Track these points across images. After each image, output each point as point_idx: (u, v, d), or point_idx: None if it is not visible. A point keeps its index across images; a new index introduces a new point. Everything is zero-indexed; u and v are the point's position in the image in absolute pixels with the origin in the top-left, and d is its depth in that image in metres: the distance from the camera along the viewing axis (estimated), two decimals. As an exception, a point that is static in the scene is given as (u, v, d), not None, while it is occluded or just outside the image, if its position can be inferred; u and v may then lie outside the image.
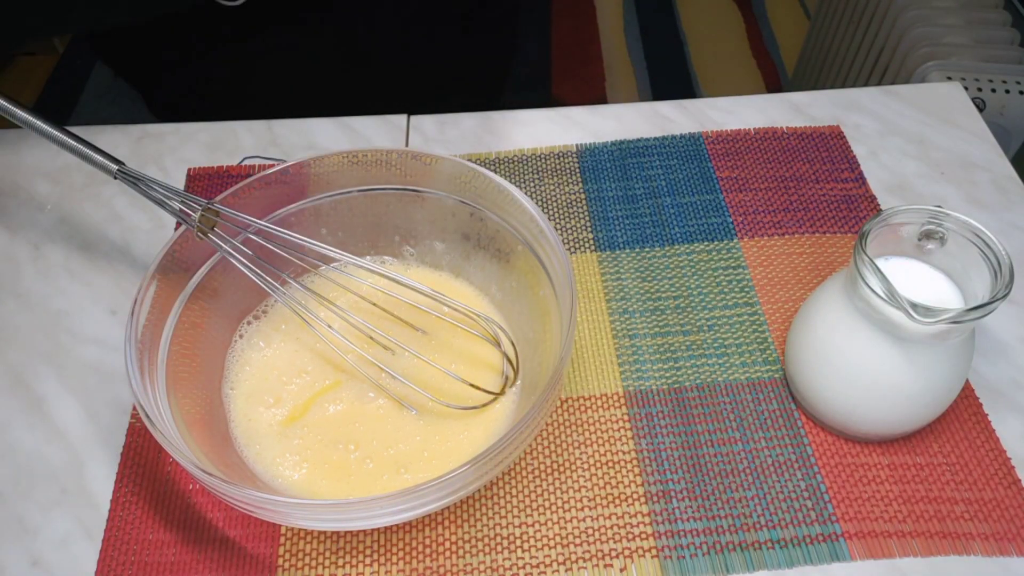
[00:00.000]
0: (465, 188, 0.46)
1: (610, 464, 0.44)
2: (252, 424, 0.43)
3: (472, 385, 0.42)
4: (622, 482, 0.43)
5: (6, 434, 0.45)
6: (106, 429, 0.45)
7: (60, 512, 0.42)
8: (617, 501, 0.43)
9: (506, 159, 0.58)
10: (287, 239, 0.42)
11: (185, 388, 0.41)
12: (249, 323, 0.47)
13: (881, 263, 0.41)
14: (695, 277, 0.52)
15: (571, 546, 0.41)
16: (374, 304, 0.47)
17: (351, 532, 0.42)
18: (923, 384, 0.40)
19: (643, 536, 0.41)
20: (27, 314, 0.50)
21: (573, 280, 0.40)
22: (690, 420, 0.46)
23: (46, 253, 0.53)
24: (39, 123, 0.42)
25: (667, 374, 0.47)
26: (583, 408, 0.46)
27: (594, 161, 0.58)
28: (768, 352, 0.48)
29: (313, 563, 0.41)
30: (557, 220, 0.55)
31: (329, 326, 0.44)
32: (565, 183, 0.57)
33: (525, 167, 0.58)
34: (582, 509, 0.42)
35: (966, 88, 0.72)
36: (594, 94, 1.80)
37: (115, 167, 0.42)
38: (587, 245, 0.54)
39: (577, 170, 0.58)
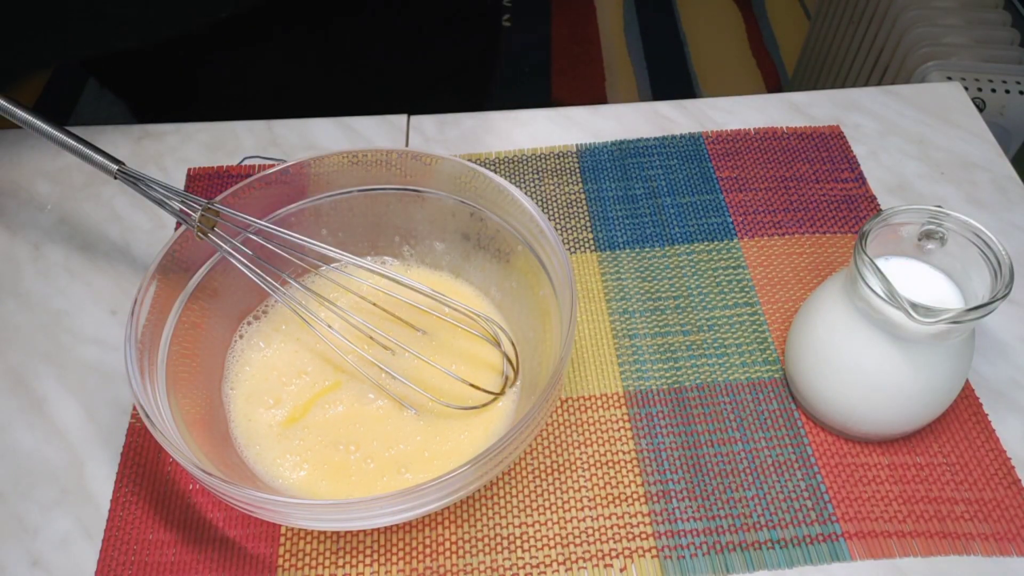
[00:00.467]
0: (465, 188, 0.46)
1: (610, 464, 0.44)
2: (252, 424, 0.43)
3: (472, 385, 0.42)
4: (622, 482, 0.43)
5: (6, 434, 0.45)
6: (106, 429, 0.45)
7: (60, 512, 0.42)
8: (617, 501, 0.43)
9: (506, 159, 0.58)
10: (287, 239, 0.42)
11: (185, 388, 0.41)
12: (249, 323, 0.47)
13: (881, 263, 0.41)
14: (695, 277, 0.52)
15: (571, 546, 0.41)
16: (374, 304, 0.47)
17: (351, 532, 0.42)
18: (923, 384, 0.40)
19: (643, 536, 0.41)
20: (27, 314, 0.50)
21: (573, 280, 0.40)
22: (690, 420, 0.46)
23: (46, 253, 0.53)
24: (39, 123, 0.42)
25: (667, 374, 0.47)
26: (583, 408, 0.46)
27: (594, 161, 0.58)
28: (768, 352, 0.48)
29: (313, 563, 0.41)
30: (557, 220, 0.55)
31: (329, 326, 0.44)
32: (565, 183, 0.57)
33: (525, 167, 0.58)
34: (582, 509, 0.42)
35: (966, 88, 0.72)
36: (594, 94, 1.81)
37: (115, 167, 0.42)
38: (587, 245, 0.54)
39: (577, 170, 0.58)
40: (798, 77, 1.63)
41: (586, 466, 0.44)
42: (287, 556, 0.41)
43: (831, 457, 0.44)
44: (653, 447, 0.44)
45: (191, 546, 0.41)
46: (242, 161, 0.58)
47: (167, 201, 0.41)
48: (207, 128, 0.60)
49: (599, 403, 0.46)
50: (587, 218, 0.55)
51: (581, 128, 0.61)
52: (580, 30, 1.96)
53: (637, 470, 0.44)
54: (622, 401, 0.46)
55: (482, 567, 0.41)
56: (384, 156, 0.46)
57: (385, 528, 0.42)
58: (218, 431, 0.42)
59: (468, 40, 0.75)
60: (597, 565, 0.41)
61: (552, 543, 0.41)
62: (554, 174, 0.58)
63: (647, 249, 0.53)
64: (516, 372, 0.44)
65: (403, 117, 0.61)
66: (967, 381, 0.47)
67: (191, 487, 0.43)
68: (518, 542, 0.41)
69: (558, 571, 0.41)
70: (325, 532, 0.42)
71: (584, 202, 0.56)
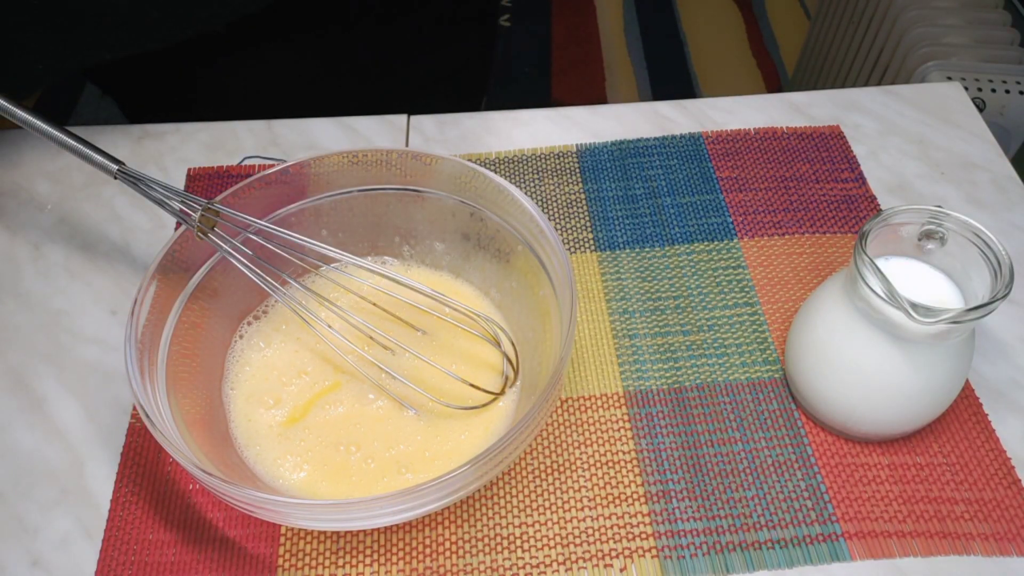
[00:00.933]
0: (465, 188, 0.46)
1: (610, 464, 0.44)
2: (252, 425, 0.43)
3: (472, 385, 0.42)
4: (622, 482, 0.43)
5: (6, 434, 0.45)
6: (106, 429, 0.45)
7: (60, 512, 0.42)
8: (617, 501, 0.43)
9: (506, 159, 0.58)
10: (287, 239, 0.42)
11: (185, 388, 0.41)
12: (249, 323, 0.47)
13: (881, 263, 0.41)
14: (695, 277, 0.52)
15: (571, 546, 0.41)
16: (374, 304, 0.47)
17: (351, 532, 0.42)
18: (923, 384, 0.40)
19: (643, 536, 0.41)
20: (27, 314, 0.50)
21: (573, 280, 0.40)
22: (690, 420, 0.46)
23: (46, 253, 0.53)
24: (39, 123, 0.42)
25: (667, 374, 0.47)
26: (583, 408, 0.46)
27: (594, 161, 0.58)
28: (768, 352, 0.48)
29: (313, 563, 0.41)
30: (557, 220, 0.55)
31: (329, 326, 0.44)
32: (565, 183, 0.57)
33: (525, 167, 0.58)
34: (582, 509, 0.42)
35: (966, 88, 0.72)
36: (594, 94, 1.81)
37: (115, 167, 0.42)
38: (587, 245, 0.54)
39: (577, 170, 0.58)
40: (798, 77, 1.63)
41: (586, 466, 0.44)
42: (287, 556, 0.41)
43: (831, 457, 0.44)
44: (653, 447, 0.44)
45: (191, 546, 0.41)
46: (242, 161, 0.58)
47: (167, 201, 0.41)
48: (207, 128, 0.61)
49: (599, 403, 0.46)
50: (587, 218, 0.55)
51: (581, 128, 0.61)
52: (580, 30, 1.96)
53: (637, 470, 0.44)
54: (622, 401, 0.46)
55: (482, 567, 0.41)
56: (384, 156, 0.46)
57: (385, 528, 0.42)
58: (218, 431, 0.42)
59: (465, 40, 0.75)
60: (597, 565, 0.41)
61: (552, 543, 0.41)
62: (554, 174, 0.58)
63: (647, 249, 0.53)
64: (516, 372, 0.44)
65: (403, 117, 0.61)
66: (967, 381, 0.47)
67: (191, 487, 0.43)
68: (518, 542, 0.41)
69: (558, 571, 0.41)
70: (325, 532, 0.42)
71: (584, 202, 0.56)
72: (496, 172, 0.57)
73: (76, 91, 1.74)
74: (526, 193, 0.56)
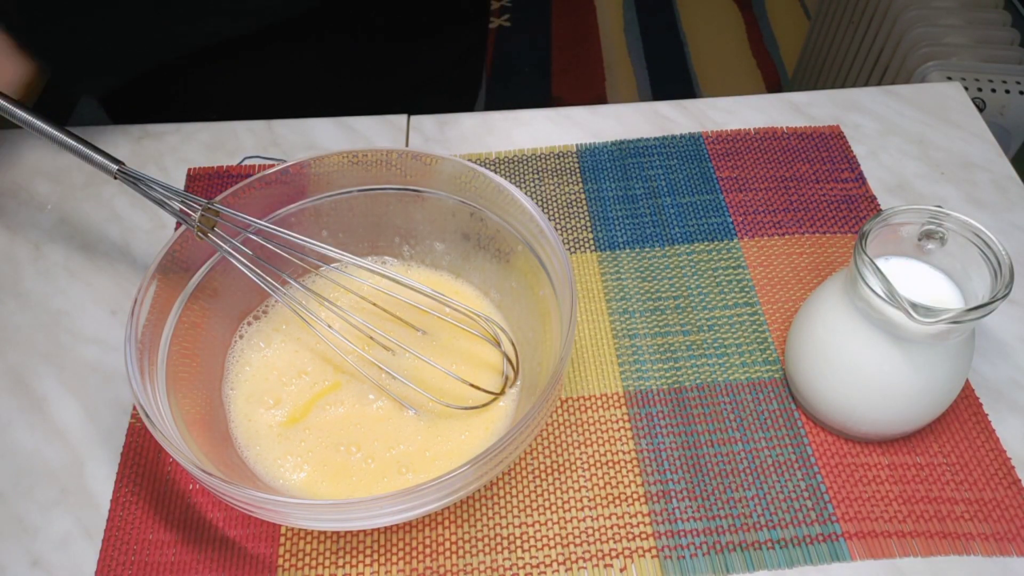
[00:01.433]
0: (465, 188, 0.46)
1: (610, 464, 0.44)
2: (252, 425, 0.43)
3: (472, 385, 0.42)
4: (622, 482, 0.43)
5: (6, 434, 0.45)
6: (106, 429, 0.45)
7: (60, 512, 0.42)
8: (617, 501, 0.43)
9: (506, 159, 0.58)
10: (287, 239, 0.42)
11: (185, 388, 0.41)
12: (249, 323, 0.47)
13: (881, 263, 0.41)
14: (695, 277, 0.52)
15: (571, 546, 0.41)
16: (374, 304, 0.47)
17: (351, 532, 0.42)
18: (923, 384, 0.40)
19: (643, 536, 0.41)
20: (27, 314, 0.50)
21: (573, 280, 0.40)
22: (690, 420, 0.46)
23: (46, 253, 0.53)
24: (39, 123, 0.42)
25: (667, 374, 0.47)
26: (583, 408, 0.46)
27: (594, 161, 0.58)
28: (768, 352, 0.48)
29: (313, 563, 0.41)
30: (557, 220, 0.55)
31: (329, 326, 0.44)
32: (565, 183, 0.57)
33: (525, 167, 0.58)
34: (582, 509, 0.42)
35: (966, 88, 0.72)
36: (594, 94, 1.81)
37: (115, 167, 0.42)
38: (587, 245, 0.54)
39: (577, 170, 0.58)
40: (798, 77, 1.63)
41: (586, 466, 0.44)
42: (287, 556, 0.41)
43: (831, 457, 0.44)
44: (653, 447, 0.44)
45: (191, 546, 0.41)
46: (242, 161, 0.58)
47: (167, 201, 0.41)
48: (207, 128, 0.61)
49: (599, 403, 0.46)
50: (587, 218, 0.55)
51: (581, 128, 0.61)
52: (580, 30, 1.96)
53: (637, 470, 0.44)
54: (622, 401, 0.46)
55: (482, 567, 0.41)
56: (384, 156, 0.46)
57: (385, 528, 0.42)
58: (218, 431, 0.42)
59: (459, 37, 0.75)
60: (597, 565, 0.41)
61: (552, 543, 0.41)
62: (554, 174, 0.58)
63: (647, 249, 0.53)
64: (516, 372, 0.44)
65: (403, 117, 0.61)
66: (967, 381, 0.47)
67: (191, 487, 0.43)
68: (518, 542, 0.41)
69: (558, 571, 0.41)
70: (325, 532, 0.42)
71: (584, 202, 0.56)
72: (496, 172, 0.57)
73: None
74: (526, 193, 0.56)
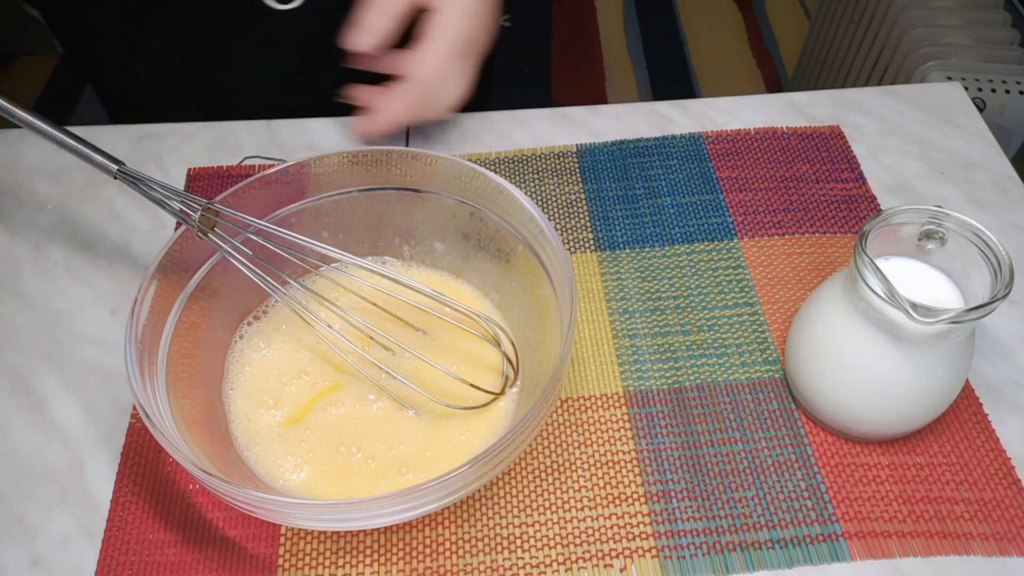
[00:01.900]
0: (465, 188, 0.46)
1: (610, 464, 0.44)
2: (252, 425, 0.43)
3: (472, 385, 0.42)
4: (622, 482, 0.43)
5: (6, 434, 0.45)
6: (106, 429, 0.45)
7: (60, 512, 0.42)
8: (617, 501, 0.43)
9: (506, 159, 0.58)
10: (287, 239, 0.42)
11: (185, 388, 0.41)
12: (249, 323, 0.47)
13: (881, 263, 0.41)
14: (695, 277, 0.52)
15: (571, 546, 0.41)
16: (374, 304, 0.47)
17: (351, 532, 0.42)
18: (923, 384, 0.40)
19: (643, 536, 0.41)
20: (27, 314, 0.50)
21: (573, 280, 0.40)
22: (690, 420, 0.46)
23: (46, 253, 0.53)
24: (39, 123, 0.42)
25: (667, 374, 0.47)
26: (583, 408, 0.46)
27: (594, 161, 0.58)
28: (768, 352, 0.48)
29: (313, 563, 0.41)
30: (557, 220, 0.55)
31: (329, 326, 0.44)
32: (565, 183, 0.57)
33: (525, 167, 0.58)
34: (582, 509, 0.42)
35: (966, 88, 0.72)
36: (594, 94, 1.81)
37: (115, 167, 0.42)
38: (587, 245, 0.54)
39: (577, 170, 0.58)
40: (798, 77, 1.64)
41: (586, 466, 0.44)
42: (287, 556, 0.41)
43: (831, 457, 0.44)
44: (653, 447, 0.44)
45: (191, 546, 0.41)
46: (242, 161, 0.58)
47: (167, 201, 0.41)
48: (207, 128, 0.60)
49: (599, 403, 0.46)
50: (587, 218, 0.55)
51: (581, 128, 0.61)
52: (580, 30, 1.96)
53: (637, 470, 0.44)
54: (622, 401, 0.46)
55: (482, 567, 0.41)
56: (384, 156, 0.46)
57: (385, 528, 0.42)
58: (218, 431, 0.42)
59: None
60: (597, 565, 0.41)
61: (552, 543, 0.41)
62: (554, 174, 0.58)
63: (647, 249, 0.53)
64: (516, 372, 0.44)
65: (403, 117, 0.61)
66: (967, 381, 0.47)
67: (191, 487, 0.43)
68: (518, 542, 0.41)
69: (558, 571, 0.41)
70: (325, 532, 0.42)
71: (584, 202, 0.56)
72: (496, 172, 0.57)
73: (76, 91, 1.74)
74: (526, 193, 0.56)
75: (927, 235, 0.40)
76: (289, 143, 0.60)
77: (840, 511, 0.42)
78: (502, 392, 0.43)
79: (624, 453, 0.44)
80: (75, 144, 0.42)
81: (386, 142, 0.60)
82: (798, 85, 1.63)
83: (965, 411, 0.46)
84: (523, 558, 0.41)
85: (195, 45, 0.63)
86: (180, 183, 0.57)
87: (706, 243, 0.53)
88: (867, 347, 0.40)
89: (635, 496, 0.43)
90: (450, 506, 0.42)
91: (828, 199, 0.56)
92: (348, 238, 0.49)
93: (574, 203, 0.56)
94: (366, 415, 0.43)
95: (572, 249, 0.53)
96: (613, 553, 0.41)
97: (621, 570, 0.41)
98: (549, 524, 0.42)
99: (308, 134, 0.60)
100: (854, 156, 0.58)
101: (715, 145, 0.59)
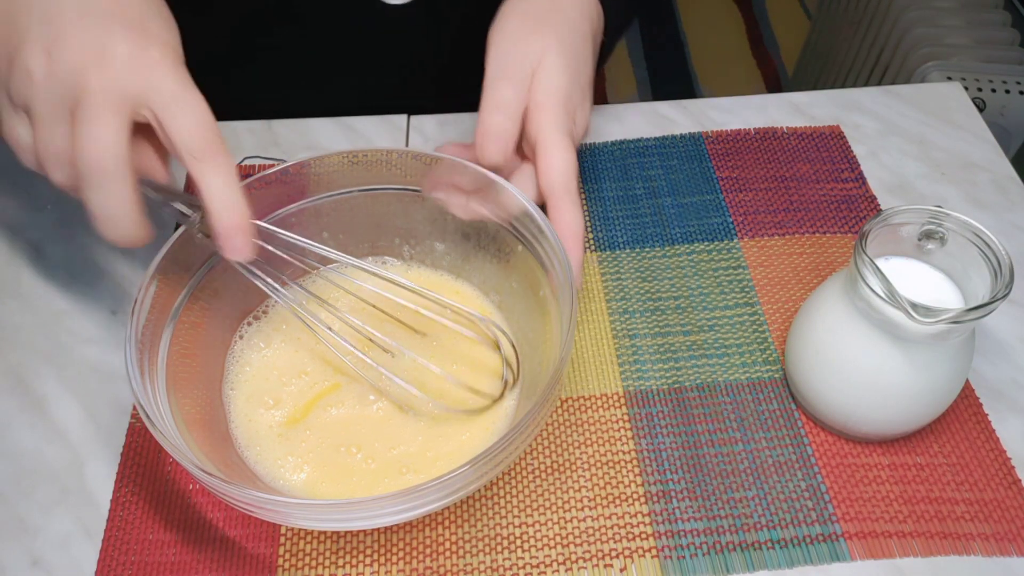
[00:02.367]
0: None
1: (610, 464, 0.44)
2: (252, 425, 0.43)
3: (472, 389, 0.42)
4: (622, 482, 0.43)
5: (6, 434, 0.45)
6: (106, 429, 0.45)
7: (60, 512, 0.42)
8: (617, 501, 0.43)
9: (506, 159, 0.58)
10: (286, 240, 0.42)
11: (185, 388, 0.41)
12: (249, 324, 0.47)
13: (881, 263, 0.41)
14: (695, 277, 0.52)
15: (571, 546, 0.41)
16: (374, 307, 0.47)
17: (351, 532, 0.42)
18: (923, 384, 0.40)
19: (643, 536, 0.41)
20: (27, 314, 0.50)
21: (573, 280, 0.40)
22: (690, 420, 0.46)
23: (46, 253, 0.53)
24: None
25: (667, 374, 0.47)
26: (583, 408, 0.46)
27: (594, 161, 0.58)
28: (768, 352, 0.48)
29: (313, 563, 0.41)
30: (557, 220, 0.55)
31: (329, 328, 0.44)
32: (565, 183, 0.57)
33: (525, 167, 0.58)
34: (582, 509, 0.42)
35: (966, 88, 0.72)
36: (594, 94, 1.80)
37: None
38: (587, 245, 0.53)
39: (577, 170, 0.58)
40: (798, 77, 1.64)
41: (586, 466, 0.44)
42: (287, 556, 0.41)
43: (831, 457, 0.44)
44: (653, 447, 0.44)
45: (191, 546, 0.41)
46: (242, 161, 0.58)
47: (168, 202, 0.41)
48: (207, 128, 0.60)
49: (599, 403, 0.46)
50: (587, 218, 0.55)
51: (581, 128, 0.61)
52: (580, 30, 1.96)
53: (637, 470, 0.44)
54: (622, 401, 0.46)
55: (482, 567, 0.41)
56: (384, 156, 0.46)
57: (385, 528, 0.42)
58: (218, 431, 0.42)
59: (467, 40, 0.75)
60: (597, 565, 0.41)
61: (552, 543, 0.41)
62: (554, 174, 0.58)
63: (647, 249, 0.53)
64: (516, 376, 0.44)
65: (403, 117, 0.61)
66: (967, 381, 0.47)
67: (191, 487, 0.43)
68: (518, 542, 0.41)
69: (558, 571, 0.41)
70: (325, 532, 0.42)
71: (584, 202, 0.56)
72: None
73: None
74: (526, 193, 0.56)
75: (927, 235, 0.40)
76: (289, 143, 0.60)
77: (840, 511, 0.42)
78: (502, 396, 0.43)
79: (624, 453, 0.44)
80: None
81: (386, 143, 0.60)
82: (798, 85, 1.63)
83: (965, 411, 0.45)
84: (523, 558, 0.41)
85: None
86: (180, 183, 0.57)
87: (706, 243, 0.53)
88: (867, 347, 0.40)
89: (635, 496, 0.43)
90: (450, 506, 0.42)
91: (828, 199, 0.56)
92: (348, 238, 0.49)
93: (574, 203, 0.56)
94: (366, 415, 0.43)
95: (572, 249, 0.53)
96: (613, 553, 0.41)
97: (621, 570, 0.41)
98: (549, 524, 0.42)
99: (308, 134, 0.60)
100: (854, 156, 0.58)
101: (715, 145, 0.59)
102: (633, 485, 0.43)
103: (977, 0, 1.22)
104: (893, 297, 0.37)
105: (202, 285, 0.43)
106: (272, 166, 0.45)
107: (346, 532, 0.42)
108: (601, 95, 1.80)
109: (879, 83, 1.25)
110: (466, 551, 0.41)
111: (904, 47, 1.17)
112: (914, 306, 0.36)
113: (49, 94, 0.36)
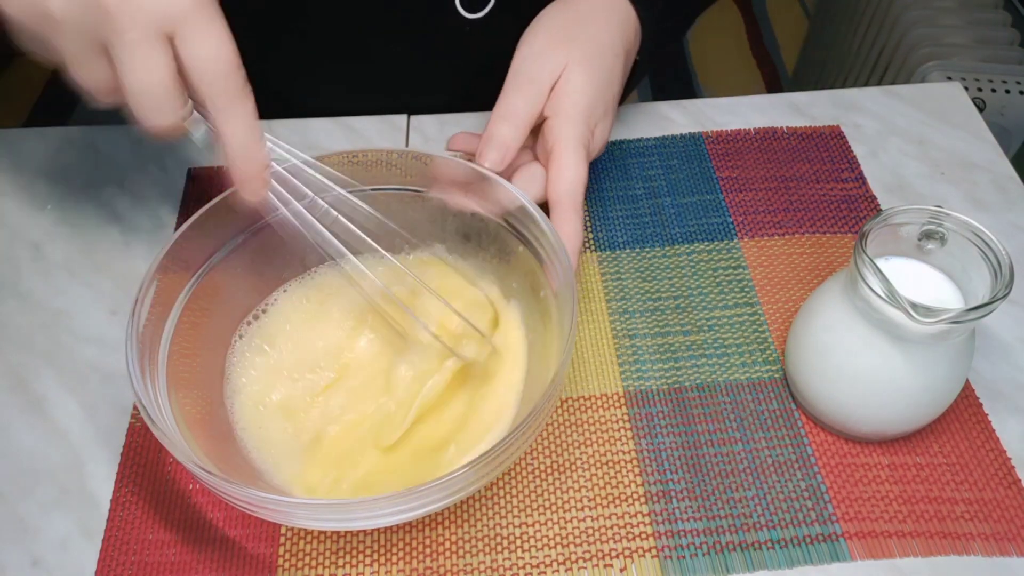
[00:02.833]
0: (465, 188, 0.46)
1: (610, 464, 0.44)
2: (253, 424, 0.43)
3: (471, 326, 0.42)
4: (622, 482, 0.43)
5: (6, 434, 0.45)
6: (106, 429, 0.45)
7: (60, 512, 0.42)
8: (617, 501, 0.43)
9: (506, 159, 0.58)
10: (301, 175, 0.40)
11: (186, 388, 0.41)
12: (249, 323, 0.47)
13: (881, 263, 0.41)
14: (695, 277, 0.52)
15: (571, 546, 0.41)
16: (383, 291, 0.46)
17: (351, 532, 0.42)
18: (923, 384, 0.40)
19: (643, 536, 0.41)
20: (27, 314, 0.50)
21: (573, 281, 0.40)
22: (690, 420, 0.46)
23: (46, 253, 0.53)
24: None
25: (667, 374, 0.47)
26: (583, 408, 0.46)
27: (594, 161, 0.58)
28: (768, 352, 0.48)
29: (313, 563, 0.41)
30: (557, 220, 0.55)
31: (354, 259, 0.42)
32: (565, 183, 0.57)
33: (525, 167, 0.58)
34: (582, 509, 0.42)
35: (966, 88, 0.72)
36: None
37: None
38: (587, 245, 0.54)
39: (577, 170, 0.58)
40: (798, 77, 1.64)
41: (586, 466, 0.44)
42: (287, 556, 0.41)
43: (831, 457, 0.44)
44: (653, 447, 0.44)
45: (191, 546, 0.41)
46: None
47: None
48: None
49: (599, 403, 0.46)
50: (587, 218, 0.55)
51: (581, 128, 0.61)
52: (580, 30, 1.96)
53: (637, 470, 0.44)
54: (622, 401, 0.46)
55: (482, 567, 0.41)
56: (384, 156, 0.46)
57: (385, 528, 0.42)
58: (219, 431, 0.42)
59: (469, 41, 0.75)
60: (597, 565, 0.41)
61: (552, 543, 0.41)
62: (554, 174, 0.57)
63: (647, 249, 0.53)
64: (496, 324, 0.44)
65: (403, 117, 0.61)
66: (967, 381, 0.47)
67: (191, 487, 0.43)
68: (518, 542, 0.41)
69: (558, 571, 0.41)
70: (325, 532, 0.42)
71: (584, 202, 0.56)
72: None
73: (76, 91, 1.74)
74: (526, 193, 0.56)
75: (927, 235, 0.40)
76: (289, 143, 0.59)
77: (840, 511, 0.42)
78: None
79: (624, 453, 0.44)
80: None
81: (386, 143, 0.60)
82: (798, 85, 1.63)
83: (965, 411, 0.46)
84: (523, 558, 0.41)
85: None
86: (181, 183, 0.57)
87: (706, 243, 0.53)
88: (867, 347, 0.40)
89: (635, 496, 0.43)
90: (450, 506, 0.42)
91: (828, 199, 0.56)
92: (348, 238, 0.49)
93: (574, 203, 0.56)
94: (367, 415, 0.43)
95: (572, 249, 0.53)
96: (613, 553, 0.41)
97: (621, 570, 0.41)
98: (549, 524, 0.42)
99: (308, 134, 0.60)
100: (854, 156, 0.58)
101: (715, 145, 0.59)
102: (633, 485, 0.43)
103: (977, 0, 1.22)
104: (893, 297, 0.37)
105: (202, 285, 0.43)
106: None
107: (346, 532, 0.42)
108: (601, 95, 1.80)
109: (879, 83, 1.25)
110: (466, 551, 0.41)
111: (904, 47, 1.17)
112: (914, 306, 0.36)
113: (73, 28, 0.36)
